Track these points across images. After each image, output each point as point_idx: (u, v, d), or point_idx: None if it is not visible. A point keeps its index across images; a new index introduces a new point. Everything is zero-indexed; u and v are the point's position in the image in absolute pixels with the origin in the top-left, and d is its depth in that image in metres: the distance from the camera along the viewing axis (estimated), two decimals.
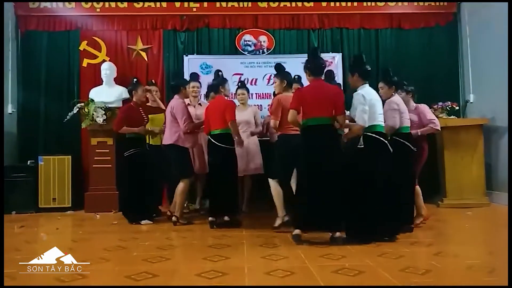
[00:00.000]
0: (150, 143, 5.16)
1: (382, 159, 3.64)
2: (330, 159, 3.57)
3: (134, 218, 4.76)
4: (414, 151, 4.11)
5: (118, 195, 5.63)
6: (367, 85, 3.74)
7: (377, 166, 3.61)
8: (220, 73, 4.78)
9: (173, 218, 4.61)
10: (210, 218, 4.45)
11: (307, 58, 3.88)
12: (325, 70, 4.11)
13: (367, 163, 3.61)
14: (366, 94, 3.65)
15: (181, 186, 4.60)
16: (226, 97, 4.66)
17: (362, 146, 3.63)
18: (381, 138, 3.65)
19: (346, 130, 3.87)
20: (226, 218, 4.42)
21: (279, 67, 4.37)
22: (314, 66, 3.76)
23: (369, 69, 3.82)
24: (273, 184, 4.19)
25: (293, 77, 4.54)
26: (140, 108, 4.90)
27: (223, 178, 4.43)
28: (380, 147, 3.65)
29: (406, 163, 4.02)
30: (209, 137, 4.53)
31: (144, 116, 4.90)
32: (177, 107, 4.58)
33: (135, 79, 5.04)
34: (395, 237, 3.64)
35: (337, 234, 3.55)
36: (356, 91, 3.73)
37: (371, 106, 3.63)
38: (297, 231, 3.63)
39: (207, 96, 5.33)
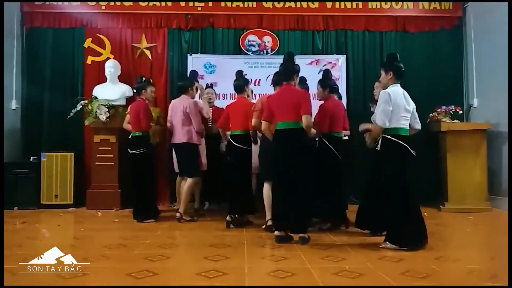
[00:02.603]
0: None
1: (402, 163, 3.51)
2: (296, 162, 3.62)
3: (139, 217, 4.77)
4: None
5: (120, 193, 5.66)
6: (398, 85, 3.64)
7: (397, 170, 3.49)
8: (244, 73, 4.81)
9: (177, 215, 4.67)
10: (227, 218, 4.48)
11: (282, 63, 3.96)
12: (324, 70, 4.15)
13: (385, 167, 3.56)
14: (393, 93, 3.53)
15: (189, 182, 4.74)
16: (247, 98, 4.71)
17: (378, 148, 3.59)
18: (401, 142, 3.49)
19: (314, 131, 4.01)
20: (236, 216, 4.47)
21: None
22: (285, 71, 3.85)
23: (403, 68, 3.71)
24: (266, 186, 4.23)
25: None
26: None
27: (241, 178, 4.49)
28: (399, 150, 3.51)
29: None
30: (229, 137, 4.57)
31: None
32: (192, 107, 4.77)
33: (144, 78, 5.06)
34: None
35: (300, 234, 3.63)
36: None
37: (395, 107, 3.50)
38: (276, 232, 3.73)
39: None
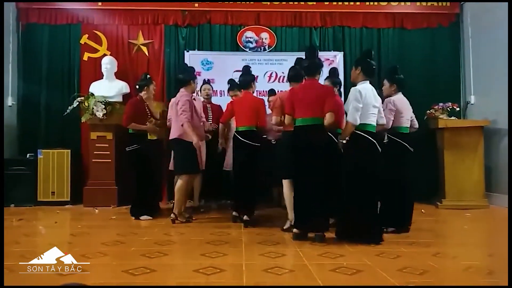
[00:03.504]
0: (148, 138, 5.13)
1: (370, 159, 3.57)
2: (317, 159, 3.58)
3: (135, 213, 4.76)
4: (411, 152, 4.06)
5: (117, 190, 5.65)
6: (367, 82, 3.69)
7: (364, 166, 3.55)
8: (250, 68, 4.71)
9: (171, 216, 4.49)
10: (233, 213, 4.47)
11: (304, 57, 3.91)
12: (331, 68, 4.11)
13: (353, 162, 3.59)
14: (363, 90, 3.58)
15: (180, 182, 4.48)
16: (253, 93, 4.66)
17: (345, 143, 3.63)
18: (369, 137, 3.56)
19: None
20: (245, 217, 4.36)
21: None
22: (309, 66, 3.79)
23: (374, 66, 3.74)
24: (286, 185, 4.07)
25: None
26: (146, 104, 4.90)
27: (249, 175, 4.41)
28: (368, 146, 3.57)
29: (402, 163, 4.00)
30: (235, 133, 4.51)
31: (148, 112, 4.89)
32: (181, 99, 4.46)
33: (148, 75, 5.03)
34: (380, 240, 3.56)
35: (319, 233, 3.60)
36: (355, 85, 3.70)
37: (365, 104, 3.56)
38: (294, 230, 3.68)
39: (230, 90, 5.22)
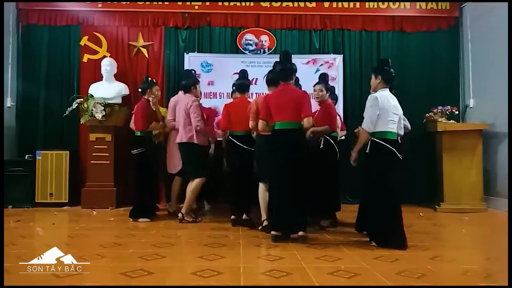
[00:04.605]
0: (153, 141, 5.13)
1: (390, 167, 3.53)
2: (293, 162, 3.62)
3: (135, 215, 4.75)
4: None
5: (116, 192, 5.65)
6: (387, 90, 3.67)
7: (383, 173, 3.52)
8: (246, 73, 4.73)
9: (179, 215, 4.59)
10: (232, 217, 4.49)
11: (277, 61, 3.95)
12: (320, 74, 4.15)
13: (374, 171, 3.56)
14: (381, 97, 3.56)
15: (194, 183, 4.60)
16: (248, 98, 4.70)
17: (368, 151, 3.60)
18: (389, 146, 3.51)
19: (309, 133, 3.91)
20: (244, 216, 4.45)
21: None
22: (283, 71, 3.80)
23: (394, 74, 3.72)
24: (261, 187, 4.18)
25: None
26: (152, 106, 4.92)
27: (245, 179, 4.43)
28: (388, 154, 3.52)
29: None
30: (230, 137, 4.54)
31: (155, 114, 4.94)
32: (193, 105, 4.61)
33: (149, 78, 5.04)
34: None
35: (300, 233, 3.63)
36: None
37: (383, 111, 3.54)
38: (272, 232, 3.72)
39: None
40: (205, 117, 4.91)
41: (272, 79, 4.13)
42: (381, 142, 3.53)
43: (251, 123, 4.18)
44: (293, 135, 3.68)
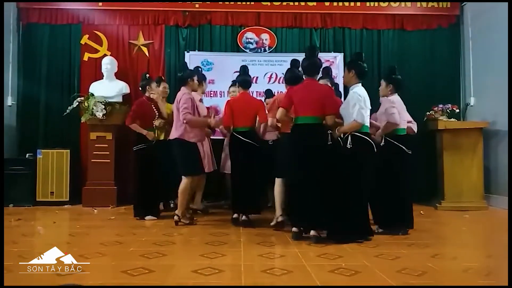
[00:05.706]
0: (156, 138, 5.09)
1: (370, 160, 3.65)
2: (314, 158, 3.59)
3: (139, 213, 4.75)
4: (409, 154, 4.01)
5: (116, 190, 5.65)
6: (360, 85, 3.74)
7: (365, 167, 3.62)
8: (247, 69, 4.65)
9: (175, 218, 4.37)
10: (234, 216, 4.43)
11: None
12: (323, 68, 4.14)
13: (356, 164, 3.60)
14: (361, 93, 3.66)
15: (183, 184, 4.35)
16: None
17: (350, 146, 3.61)
18: (369, 139, 3.64)
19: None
20: (244, 217, 4.35)
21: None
22: (309, 66, 3.79)
23: (366, 69, 3.81)
24: (278, 182, 4.15)
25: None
26: (152, 104, 4.88)
27: (250, 175, 4.37)
28: (369, 148, 3.64)
29: (399, 166, 3.97)
30: (234, 133, 4.44)
31: (156, 112, 4.86)
32: (182, 97, 4.34)
33: (147, 75, 5.03)
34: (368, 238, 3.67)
35: (312, 232, 3.59)
36: (346, 87, 3.80)
37: (366, 108, 3.66)
38: (293, 229, 3.69)
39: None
40: (202, 112, 4.75)
41: (291, 77, 4.10)
42: (360, 135, 3.62)
43: (270, 120, 4.15)
44: (314, 129, 3.65)
